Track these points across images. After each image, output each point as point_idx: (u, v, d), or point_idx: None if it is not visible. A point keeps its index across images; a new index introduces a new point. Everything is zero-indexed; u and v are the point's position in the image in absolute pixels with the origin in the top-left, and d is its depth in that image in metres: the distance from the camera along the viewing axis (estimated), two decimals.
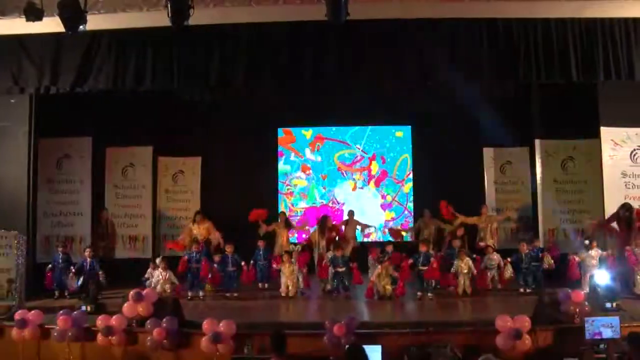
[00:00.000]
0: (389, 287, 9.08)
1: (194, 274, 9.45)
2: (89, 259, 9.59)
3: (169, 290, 9.10)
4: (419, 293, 9.13)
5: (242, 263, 9.66)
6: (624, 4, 8.59)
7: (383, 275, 9.08)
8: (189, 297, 9.36)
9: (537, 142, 11.13)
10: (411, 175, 12.71)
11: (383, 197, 12.72)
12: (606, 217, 9.81)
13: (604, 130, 10.22)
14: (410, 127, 12.75)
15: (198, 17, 7.38)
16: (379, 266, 9.14)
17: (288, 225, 11.16)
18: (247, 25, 8.97)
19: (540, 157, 11.12)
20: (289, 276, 9.40)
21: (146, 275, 9.57)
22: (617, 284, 8.50)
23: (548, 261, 9.40)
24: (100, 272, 9.47)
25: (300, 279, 9.54)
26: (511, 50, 8.83)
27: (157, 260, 9.63)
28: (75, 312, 7.54)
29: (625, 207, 9.60)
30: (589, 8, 8.71)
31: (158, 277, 9.28)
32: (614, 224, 9.74)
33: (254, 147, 12.36)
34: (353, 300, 9.26)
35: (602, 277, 8.36)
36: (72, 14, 7.30)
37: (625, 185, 10.18)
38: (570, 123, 10.71)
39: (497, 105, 11.24)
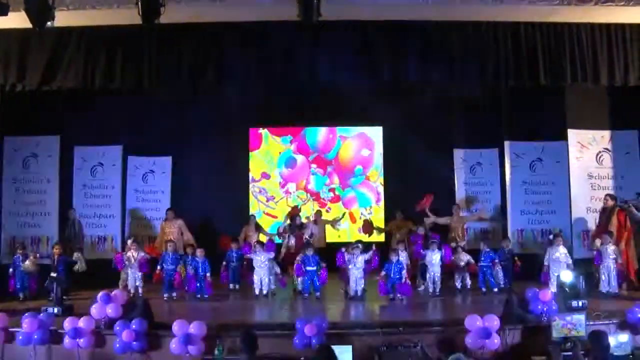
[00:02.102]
0: (360, 287, 9.14)
1: (169, 276, 9.39)
2: (56, 257, 9.42)
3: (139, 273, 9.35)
4: (390, 295, 9.17)
5: (208, 274, 9.52)
6: (590, 10, 8.77)
7: (357, 263, 9.14)
8: (165, 298, 9.33)
9: (506, 143, 11.27)
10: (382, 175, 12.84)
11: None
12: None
13: (571, 133, 10.48)
14: (381, 127, 12.85)
15: (169, 15, 7.32)
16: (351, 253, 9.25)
17: (258, 228, 11.10)
18: (219, 24, 8.92)
19: (509, 159, 11.27)
20: (262, 267, 9.36)
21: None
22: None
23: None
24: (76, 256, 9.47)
25: (272, 279, 9.58)
26: (481, 52, 8.94)
27: (129, 242, 9.71)
28: (41, 315, 7.39)
29: (612, 196, 9.78)
30: (557, 13, 8.86)
31: (129, 258, 9.39)
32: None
33: (225, 146, 12.28)
34: (324, 301, 9.27)
35: (568, 275, 8.50)
36: (40, 10, 7.17)
37: (592, 186, 10.45)
38: (538, 125, 10.91)
39: (468, 107, 11.42)
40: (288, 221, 10.76)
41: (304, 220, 11.11)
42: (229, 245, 10.13)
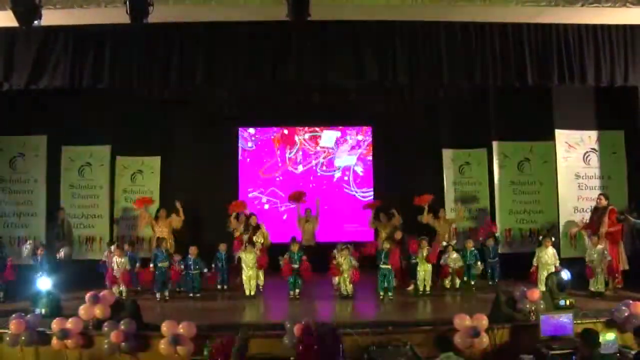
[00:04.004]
0: (350, 286, 9.17)
1: (162, 275, 9.37)
2: (39, 258, 9.35)
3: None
4: (381, 293, 9.22)
5: (205, 270, 9.68)
6: (577, 11, 8.84)
7: (343, 264, 9.17)
8: (158, 298, 9.31)
9: (494, 144, 11.32)
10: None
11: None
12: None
13: (559, 133, 10.55)
14: (370, 128, 12.89)
15: (158, 14, 7.29)
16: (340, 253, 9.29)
17: (248, 227, 11.03)
18: (208, 24, 8.89)
19: (497, 159, 11.31)
20: (251, 267, 9.37)
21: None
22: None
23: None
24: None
25: (261, 276, 9.67)
26: (469, 53, 8.98)
27: (112, 248, 9.66)
28: (29, 316, 7.34)
29: (605, 196, 9.86)
30: (545, 14, 8.92)
31: (115, 263, 9.42)
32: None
33: (214, 146, 12.26)
34: (313, 301, 9.28)
35: (556, 274, 8.58)
36: (26, 8, 7.13)
37: (579, 186, 10.52)
38: (526, 125, 10.95)
39: (456, 107, 11.47)
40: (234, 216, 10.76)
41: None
42: (240, 208, 10.37)
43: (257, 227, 10.53)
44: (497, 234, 10.69)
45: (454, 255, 9.81)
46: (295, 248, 9.50)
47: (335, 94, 11.08)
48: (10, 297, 9.27)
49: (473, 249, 9.92)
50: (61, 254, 9.41)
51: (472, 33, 9.01)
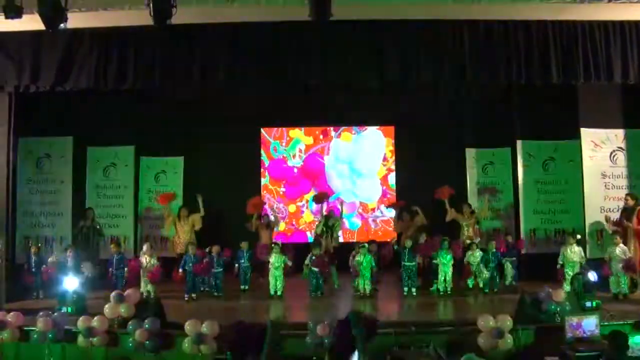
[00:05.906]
0: (369, 286, 9.15)
1: (192, 276, 9.42)
2: (70, 258, 9.48)
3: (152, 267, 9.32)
4: (404, 290, 9.18)
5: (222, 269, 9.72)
6: (603, 7, 8.70)
7: (363, 263, 9.17)
8: (186, 299, 9.37)
9: (518, 142, 11.19)
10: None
11: None
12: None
13: (584, 132, 10.38)
14: (393, 127, 12.84)
15: (180, 16, 7.34)
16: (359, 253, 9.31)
17: (268, 225, 11.09)
18: (230, 25, 8.94)
19: (521, 158, 11.18)
20: (277, 268, 9.41)
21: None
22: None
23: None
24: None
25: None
26: (492, 51, 8.89)
27: (145, 247, 9.68)
28: (55, 314, 7.46)
29: (632, 196, 9.75)
30: (569, 11, 8.80)
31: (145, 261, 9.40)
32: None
33: (237, 146, 12.30)
34: (336, 300, 9.27)
35: (582, 275, 8.45)
36: (53, 12, 7.23)
37: (605, 185, 10.34)
38: (551, 124, 10.81)
39: (479, 106, 11.37)
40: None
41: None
42: (259, 208, 10.58)
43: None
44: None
45: (477, 253, 9.71)
46: (316, 251, 9.50)
47: (358, 93, 11.04)
48: (48, 295, 9.43)
49: (495, 250, 9.78)
50: (85, 273, 9.47)
51: (495, 31, 8.92)
